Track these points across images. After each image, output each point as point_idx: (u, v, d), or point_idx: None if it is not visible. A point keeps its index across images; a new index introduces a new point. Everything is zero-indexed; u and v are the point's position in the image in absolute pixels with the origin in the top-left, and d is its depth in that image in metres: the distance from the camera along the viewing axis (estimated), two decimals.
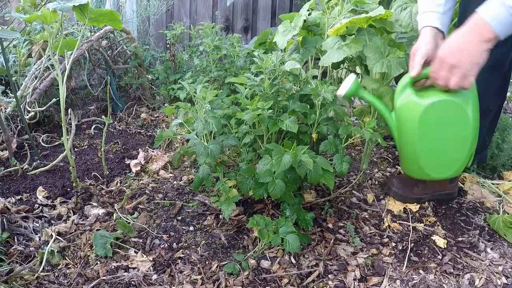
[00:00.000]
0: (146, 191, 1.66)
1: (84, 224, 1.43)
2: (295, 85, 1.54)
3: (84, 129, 2.21)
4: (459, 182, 1.69)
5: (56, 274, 1.23)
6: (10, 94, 2.02)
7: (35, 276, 1.19)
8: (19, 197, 1.55)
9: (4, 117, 1.86)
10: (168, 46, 2.68)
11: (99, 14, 1.39)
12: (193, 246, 1.36)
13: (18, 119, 1.97)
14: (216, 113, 1.40)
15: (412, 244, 1.41)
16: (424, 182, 1.60)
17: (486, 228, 1.51)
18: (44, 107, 1.97)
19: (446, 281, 1.27)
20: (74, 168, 1.54)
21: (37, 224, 1.41)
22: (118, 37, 2.55)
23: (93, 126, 2.19)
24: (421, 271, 1.31)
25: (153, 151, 1.93)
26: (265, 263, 1.29)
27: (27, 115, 1.95)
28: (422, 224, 1.51)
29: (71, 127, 1.72)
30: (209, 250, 1.35)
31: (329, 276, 1.27)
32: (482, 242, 1.44)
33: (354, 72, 1.63)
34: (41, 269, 1.22)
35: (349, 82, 1.33)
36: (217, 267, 1.28)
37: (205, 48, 2.27)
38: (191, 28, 2.56)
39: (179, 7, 3.65)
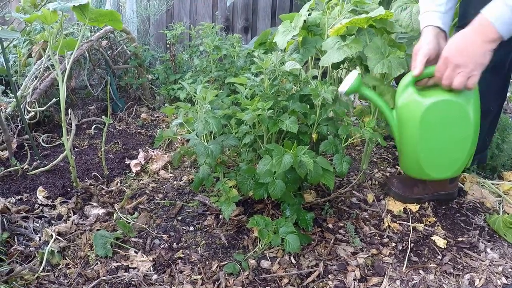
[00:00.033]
0: (146, 191, 1.66)
1: (84, 224, 1.43)
2: (295, 85, 1.54)
3: (84, 129, 2.21)
4: (459, 182, 1.69)
5: (56, 274, 1.23)
6: (10, 94, 2.02)
7: (35, 276, 1.19)
8: (19, 197, 1.55)
9: (4, 117, 1.86)
10: (168, 46, 2.68)
11: (99, 14, 1.39)
12: (193, 246, 1.36)
13: (18, 119, 1.97)
14: (216, 113, 1.40)
15: (412, 244, 1.41)
16: (424, 182, 1.60)
17: (486, 228, 1.51)
18: (44, 107, 1.97)
19: (446, 281, 1.27)
20: (74, 168, 1.54)
21: (37, 224, 1.41)
22: (118, 37, 2.55)
23: (93, 126, 2.19)
24: (421, 271, 1.31)
25: (153, 151, 1.93)
26: (265, 263, 1.29)
27: (27, 115, 1.95)
28: (422, 224, 1.51)
29: (71, 127, 1.72)
30: (209, 250, 1.35)
31: (329, 276, 1.27)
32: (482, 242, 1.44)
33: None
34: (41, 269, 1.22)
35: (351, 79, 1.33)
36: (217, 267, 1.28)
37: (205, 48, 2.27)
38: (191, 28, 2.56)
39: (179, 7, 3.65)
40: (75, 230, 1.40)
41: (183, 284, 1.21)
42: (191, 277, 1.24)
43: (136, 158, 1.87)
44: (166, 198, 1.62)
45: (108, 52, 2.48)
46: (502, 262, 1.35)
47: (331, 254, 1.36)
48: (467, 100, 1.27)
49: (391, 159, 1.99)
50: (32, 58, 2.13)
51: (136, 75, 2.60)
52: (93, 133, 2.16)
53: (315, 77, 1.62)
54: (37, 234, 1.37)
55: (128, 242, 1.37)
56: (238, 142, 1.36)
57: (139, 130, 2.25)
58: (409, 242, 1.42)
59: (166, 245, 1.36)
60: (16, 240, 1.33)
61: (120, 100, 2.51)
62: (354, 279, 1.26)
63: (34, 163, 1.77)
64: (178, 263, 1.29)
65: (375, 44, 1.39)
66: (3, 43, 1.69)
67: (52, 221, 1.44)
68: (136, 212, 1.52)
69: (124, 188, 1.67)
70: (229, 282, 1.22)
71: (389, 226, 1.50)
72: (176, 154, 1.48)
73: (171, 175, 1.79)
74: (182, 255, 1.32)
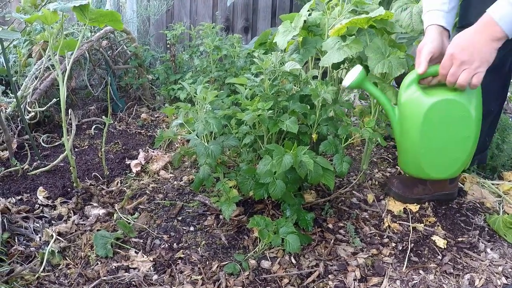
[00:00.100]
0: (147, 191, 1.66)
1: (84, 224, 1.43)
2: (295, 86, 1.54)
3: (84, 129, 2.21)
4: (459, 183, 1.69)
5: (57, 274, 1.23)
6: (11, 94, 2.02)
7: (36, 276, 1.19)
8: (19, 197, 1.55)
9: (4, 117, 1.87)
10: (168, 46, 2.68)
11: (100, 14, 1.39)
12: (193, 247, 1.36)
13: (19, 119, 1.97)
14: (216, 113, 1.40)
15: (412, 245, 1.41)
16: (424, 183, 1.60)
17: (486, 229, 1.51)
18: (45, 107, 1.97)
19: (446, 281, 1.27)
20: (75, 169, 1.54)
21: (38, 225, 1.41)
22: (119, 37, 2.55)
23: (94, 126, 2.19)
24: (421, 271, 1.31)
25: (153, 152, 1.93)
26: (265, 263, 1.29)
27: (28, 115, 1.95)
28: (422, 225, 1.51)
29: (71, 127, 1.72)
30: (209, 250, 1.35)
31: (329, 276, 1.27)
32: (482, 243, 1.44)
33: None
34: (41, 269, 1.22)
35: (355, 73, 1.32)
36: (217, 267, 1.28)
37: (206, 49, 2.27)
38: (191, 28, 2.56)
39: (179, 7, 3.65)
40: (76, 230, 1.40)
41: (183, 284, 1.21)
42: (191, 277, 1.24)
43: (137, 158, 1.87)
44: (166, 198, 1.62)
45: (108, 52, 2.49)
46: (502, 262, 1.35)
47: (331, 254, 1.36)
48: (470, 100, 1.27)
49: (391, 159, 1.99)
50: (32, 58, 2.13)
51: (136, 75, 2.61)
52: (93, 133, 2.16)
53: (315, 78, 1.62)
54: (37, 234, 1.37)
55: (129, 242, 1.37)
56: (238, 143, 1.36)
57: (139, 130, 2.25)
58: (409, 242, 1.42)
59: (167, 245, 1.36)
60: (16, 240, 1.33)
61: (120, 100, 2.51)
62: (354, 279, 1.26)
63: (35, 163, 1.78)
64: (178, 263, 1.29)
65: (375, 44, 1.39)
66: (3, 43, 1.69)
67: (53, 221, 1.44)
68: (136, 212, 1.52)
69: (125, 188, 1.67)
70: (230, 282, 1.22)
71: (389, 226, 1.50)
72: (177, 155, 1.48)
73: (172, 175, 1.79)
74: (182, 255, 1.32)
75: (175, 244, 1.37)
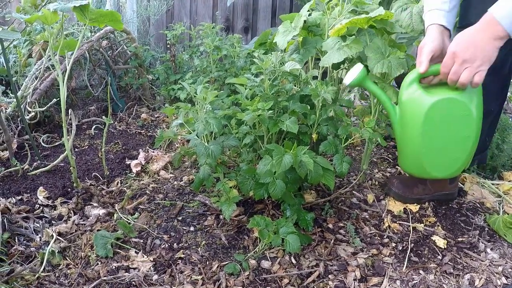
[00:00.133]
0: (147, 191, 1.66)
1: (84, 224, 1.43)
2: (295, 86, 1.54)
3: (84, 129, 2.21)
4: (459, 183, 1.69)
5: (57, 274, 1.23)
6: (11, 94, 2.02)
7: (36, 276, 1.19)
8: (19, 197, 1.55)
9: (4, 117, 1.87)
10: (168, 46, 2.68)
11: (100, 14, 1.39)
12: (193, 247, 1.36)
13: (19, 119, 1.97)
14: (216, 113, 1.40)
15: (412, 245, 1.41)
16: (424, 183, 1.60)
17: (486, 229, 1.51)
18: (45, 108, 1.97)
19: (446, 281, 1.27)
20: (75, 169, 1.54)
21: (38, 225, 1.41)
22: (119, 37, 2.55)
23: (94, 127, 2.19)
24: (421, 271, 1.31)
25: (153, 152, 1.93)
26: (265, 264, 1.29)
27: (28, 115, 1.95)
28: (422, 225, 1.51)
29: (71, 127, 1.73)
30: (209, 250, 1.35)
31: (329, 276, 1.27)
32: (482, 243, 1.44)
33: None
34: (41, 269, 1.22)
35: (356, 71, 1.32)
36: (217, 267, 1.28)
37: (206, 49, 2.27)
38: (191, 29, 2.56)
39: (179, 8, 3.65)
40: (76, 231, 1.40)
41: (183, 284, 1.21)
42: (191, 277, 1.24)
43: (137, 159, 1.87)
44: (166, 199, 1.62)
45: (109, 53, 2.49)
46: (502, 262, 1.35)
47: (331, 254, 1.36)
48: (471, 99, 1.27)
49: (391, 159, 1.99)
50: (32, 59, 2.13)
51: (136, 75, 2.61)
52: (93, 134, 2.16)
53: (315, 78, 1.62)
54: (37, 235, 1.37)
55: (129, 243, 1.37)
56: (238, 143, 1.36)
57: (139, 131, 2.26)
58: (409, 242, 1.42)
59: (167, 245, 1.36)
60: (16, 241, 1.33)
61: (121, 100, 2.51)
62: (354, 279, 1.26)
63: (35, 163, 1.78)
64: (178, 263, 1.29)
65: (375, 44, 1.39)
66: (3, 44, 1.69)
67: (53, 222, 1.44)
68: (136, 213, 1.52)
69: (125, 188, 1.67)
70: (230, 282, 1.22)
71: (389, 226, 1.50)
72: (177, 155, 1.48)
73: (172, 175, 1.79)
74: (182, 255, 1.32)
75: (175, 244, 1.37)
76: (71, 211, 1.50)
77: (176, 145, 2.06)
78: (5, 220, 1.37)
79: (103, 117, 1.77)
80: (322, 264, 1.31)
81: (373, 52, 1.37)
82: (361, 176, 1.71)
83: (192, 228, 1.45)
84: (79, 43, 1.44)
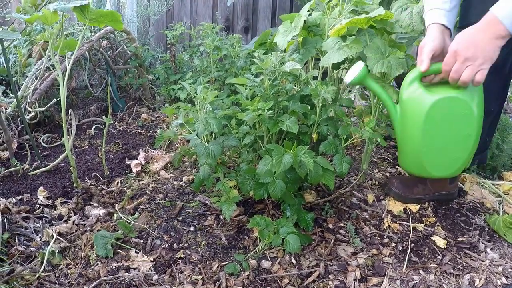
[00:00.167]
0: (147, 191, 1.66)
1: (85, 224, 1.43)
2: (295, 86, 1.54)
3: (84, 129, 2.21)
4: (459, 183, 1.69)
5: (57, 274, 1.23)
6: (11, 95, 2.02)
7: (36, 276, 1.19)
8: (19, 197, 1.55)
9: (4, 117, 1.87)
10: (168, 46, 2.68)
11: (100, 14, 1.39)
12: (193, 247, 1.36)
13: (19, 119, 1.97)
14: (216, 113, 1.40)
15: (412, 245, 1.42)
16: (424, 183, 1.60)
17: (486, 229, 1.51)
18: (45, 108, 1.97)
19: (446, 281, 1.27)
20: (75, 169, 1.54)
21: (38, 225, 1.41)
22: (119, 37, 2.55)
23: (94, 127, 2.19)
24: (421, 272, 1.31)
25: (153, 152, 1.93)
26: (265, 264, 1.29)
27: (28, 115, 1.95)
28: (422, 225, 1.51)
29: (71, 127, 1.73)
30: (209, 250, 1.35)
31: (330, 276, 1.27)
32: (482, 243, 1.44)
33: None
34: (42, 269, 1.22)
35: (357, 69, 1.31)
36: (217, 267, 1.28)
37: (206, 49, 2.27)
38: (192, 29, 2.57)
39: (179, 8, 3.65)
40: (76, 231, 1.40)
41: (183, 284, 1.21)
42: (191, 277, 1.24)
43: (137, 159, 1.87)
44: (166, 199, 1.62)
45: (109, 53, 2.49)
46: (502, 262, 1.35)
47: (331, 254, 1.36)
48: (472, 97, 1.27)
49: (391, 159, 1.99)
50: (32, 59, 2.13)
51: (136, 75, 2.61)
52: (93, 134, 2.16)
53: (315, 78, 1.62)
54: (37, 235, 1.37)
55: (129, 243, 1.37)
56: (238, 143, 1.36)
57: (139, 131, 2.26)
58: (409, 242, 1.42)
59: (167, 245, 1.37)
60: (16, 241, 1.33)
61: (121, 100, 2.51)
62: (355, 279, 1.26)
63: (35, 163, 1.78)
64: (178, 263, 1.29)
65: (375, 44, 1.39)
66: (3, 44, 1.69)
67: (53, 222, 1.44)
68: (136, 213, 1.52)
69: (125, 188, 1.67)
70: (230, 282, 1.22)
71: (389, 226, 1.50)
72: (177, 155, 1.48)
73: (172, 175, 1.79)
74: (182, 255, 1.32)
75: (175, 244, 1.37)
76: (71, 211, 1.50)
77: (176, 145, 2.06)
78: (5, 220, 1.37)
79: (103, 117, 1.77)
80: (322, 264, 1.31)
81: (373, 52, 1.38)
82: (361, 176, 1.71)
83: (192, 228, 1.45)
84: (79, 43, 1.44)
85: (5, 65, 1.71)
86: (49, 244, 1.29)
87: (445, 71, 1.23)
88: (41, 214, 1.47)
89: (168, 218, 1.50)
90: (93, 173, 1.75)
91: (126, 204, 1.55)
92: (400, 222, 1.52)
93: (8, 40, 2.02)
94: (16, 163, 1.69)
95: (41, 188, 1.59)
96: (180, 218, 1.50)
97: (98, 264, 1.27)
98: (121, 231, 1.39)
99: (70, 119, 1.74)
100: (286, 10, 3.72)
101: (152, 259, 1.29)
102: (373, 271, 1.30)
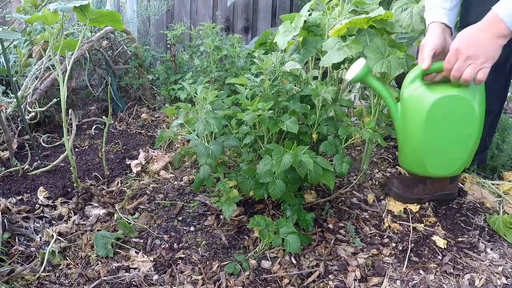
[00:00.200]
0: (147, 191, 1.66)
1: (85, 224, 1.43)
2: (295, 86, 1.54)
3: (84, 129, 2.21)
4: (459, 183, 1.69)
5: (57, 274, 1.23)
6: (11, 94, 2.02)
7: (36, 276, 1.19)
8: (20, 197, 1.55)
9: (4, 117, 1.87)
10: (168, 46, 2.68)
11: (100, 14, 1.39)
12: (193, 247, 1.37)
13: (19, 119, 1.97)
14: (217, 113, 1.40)
15: (412, 245, 1.42)
16: (424, 183, 1.60)
17: (486, 229, 1.51)
18: (45, 108, 1.97)
19: (446, 281, 1.27)
20: (75, 169, 1.55)
21: (38, 225, 1.41)
22: (119, 37, 2.55)
23: (94, 127, 2.19)
24: (421, 271, 1.31)
25: (153, 152, 1.93)
26: (265, 264, 1.29)
27: (28, 115, 1.95)
28: (422, 225, 1.51)
29: (71, 127, 1.73)
30: (209, 250, 1.35)
31: (330, 276, 1.27)
32: (482, 243, 1.44)
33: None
34: (42, 269, 1.22)
35: (358, 67, 1.30)
36: (218, 267, 1.28)
37: (206, 49, 2.27)
38: (192, 29, 2.57)
39: (179, 8, 3.65)
40: (76, 231, 1.40)
41: (183, 284, 1.21)
42: (191, 277, 1.24)
43: (137, 159, 1.87)
44: (166, 199, 1.62)
45: (109, 53, 2.49)
46: (502, 262, 1.35)
47: (331, 254, 1.36)
48: (474, 96, 1.26)
49: (391, 159, 1.99)
50: (32, 59, 2.13)
51: (136, 75, 2.61)
52: (93, 134, 2.16)
53: (315, 78, 1.62)
54: (37, 235, 1.37)
55: (129, 243, 1.37)
56: (238, 143, 1.36)
57: (139, 131, 2.26)
58: (409, 242, 1.42)
59: (167, 245, 1.37)
60: (17, 241, 1.33)
61: (121, 100, 2.51)
62: (355, 279, 1.26)
63: (35, 163, 1.78)
64: (178, 263, 1.29)
65: (375, 44, 1.39)
66: (3, 44, 1.69)
67: (53, 222, 1.44)
68: (136, 213, 1.52)
69: (125, 188, 1.67)
70: (230, 282, 1.22)
71: (389, 226, 1.50)
72: (177, 155, 1.48)
73: (172, 175, 1.79)
74: (182, 255, 1.32)
75: (175, 244, 1.37)
76: (71, 211, 1.50)
77: (176, 145, 2.06)
78: (5, 220, 1.37)
79: (103, 117, 1.77)
80: (322, 264, 1.31)
81: (373, 52, 1.37)
82: (361, 176, 1.71)
83: (192, 228, 1.45)
84: (79, 43, 1.44)
85: (5, 65, 1.71)
86: (49, 244, 1.29)
87: (447, 70, 1.22)
88: (41, 214, 1.47)
89: (168, 218, 1.50)
90: (93, 173, 1.75)
91: (126, 204, 1.55)
92: (400, 222, 1.52)
93: (8, 40, 2.02)
94: (16, 163, 1.69)
95: (41, 188, 1.59)
96: (180, 218, 1.50)
97: (98, 264, 1.27)
98: (121, 231, 1.39)
99: (70, 119, 1.74)
100: (286, 10, 3.72)
101: (152, 259, 1.29)
102: (373, 271, 1.30)
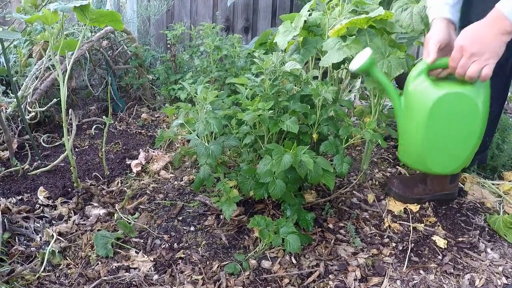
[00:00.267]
0: (147, 191, 1.66)
1: (85, 224, 1.43)
2: (295, 86, 1.54)
3: (84, 129, 2.21)
4: (459, 183, 1.69)
5: (57, 274, 1.23)
6: (11, 94, 2.02)
7: (36, 276, 1.19)
8: (20, 197, 1.55)
9: (5, 117, 1.87)
10: (168, 46, 2.68)
11: (100, 14, 1.39)
12: (194, 246, 1.36)
13: (19, 119, 1.97)
14: (217, 113, 1.40)
15: (413, 244, 1.42)
16: (424, 183, 1.60)
17: (486, 229, 1.51)
18: (45, 107, 1.97)
19: (447, 281, 1.27)
20: (75, 169, 1.54)
21: (38, 225, 1.41)
22: (119, 37, 2.55)
23: (94, 126, 2.19)
24: (421, 271, 1.31)
25: (153, 152, 1.93)
26: (266, 263, 1.29)
27: (28, 115, 1.95)
28: (422, 225, 1.51)
29: (71, 127, 1.73)
30: (210, 250, 1.35)
31: (330, 276, 1.27)
32: (482, 243, 1.44)
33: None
34: (42, 269, 1.22)
35: (363, 57, 1.28)
36: (218, 267, 1.28)
37: (206, 49, 2.27)
38: (192, 28, 2.56)
39: (179, 7, 3.65)
40: (76, 230, 1.40)
41: (184, 284, 1.21)
42: (192, 277, 1.24)
43: (137, 158, 1.87)
44: (166, 198, 1.62)
45: (109, 52, 2.49)
46: (502, 262, 1.35)
47: (331, 254, 1.36)
48: (478, 94, 1.25)
49: (392, 160, 1.99)
50: (32, 59, 2.13)
51: (136, 75, 2.61)
52: (93, 133, 2.16)
53: (315, 78, 1.62)
54: (38, 234, 1.37)
55: (129, 242, 1.37)
56: (238, 143, 1.36)
57: (139, 130, 2.26)
58: (410, 242, 1.42)
59: (167, 245, 1.37)
60: (17, 240, 1.33)
61: (121, 100, 2.51)
62: (355, 279, 1.26)
63: (35, 163, 1.78)
64: (179, 263, 1.29)
65: (375, 44, 1.39)
66: (4, 44, 1.69)
67: (53, 221, 1.44)
68: (137, 212, 1.52)
69: (125, 188, 1.67)
70: (230, 282, 1.22)
71: (389, 226, 1.50)
72: (177, 155, 1.48)
73: (172, 175, 1.79)
74: (183, 255, 1.32)
75: (175, 244, 1.37)
76: (72, 211, 1.50)
77: (177, 145, 2.06)
78: (5, 220, 1.37)
79: (104, 117, 1.77)
80: (322, 264, 1.31)
81: (373, 52, 1.37)
82: (362, 176, 1.71)
83: (192, 228, 1.45)
84: (80, 43, 1.44)
85: (5, 65, 1.71)
86: (49, 244, 1.29)
87: (452, 67, 1.22)
88: (41, 214, 1.47)
89: (168, 218, 1.50)
90: (93, 173, 1.75)
91: (126, 204, 1.55)
92: (400, 222, 1.52)
93: (8, 40, 2.02)
94: (16, 163, 1.69)
95: (41, 188, 1.59)
96: (180, 218, 1.50)
97: (98, 264, 1.27)
98: (121, 231, 1.39)
99: (70, 119, 1.74)
100: (286, 10, 3.72)
101: (152, 259, 1.29)
102: (373, 271, 1.30)
